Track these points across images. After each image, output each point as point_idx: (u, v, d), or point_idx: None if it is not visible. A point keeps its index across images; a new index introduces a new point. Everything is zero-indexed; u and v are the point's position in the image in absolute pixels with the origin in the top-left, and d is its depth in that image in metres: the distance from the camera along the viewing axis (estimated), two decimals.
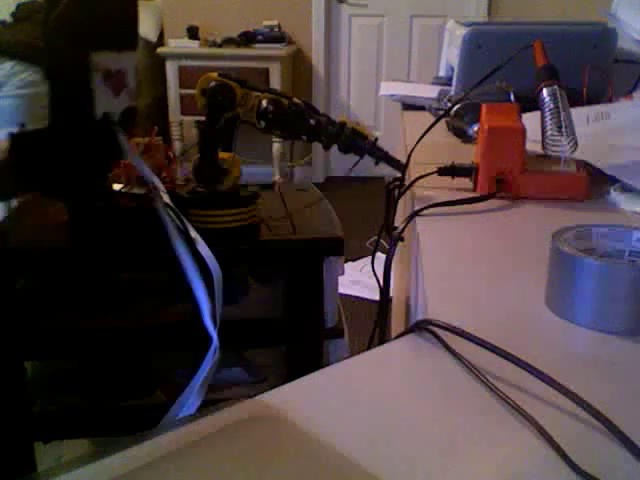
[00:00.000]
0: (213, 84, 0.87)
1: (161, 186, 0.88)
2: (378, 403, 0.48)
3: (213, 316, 0.82)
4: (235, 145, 0.97)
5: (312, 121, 0.90)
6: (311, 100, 4.44)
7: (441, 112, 1.21)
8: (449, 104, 1.33)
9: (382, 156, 0.96)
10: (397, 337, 0.57)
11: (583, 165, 0.93)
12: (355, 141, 0.95)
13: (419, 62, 4.43)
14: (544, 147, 0.92)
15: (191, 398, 0.75)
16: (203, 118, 0.90)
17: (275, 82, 3.97)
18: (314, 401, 0.48)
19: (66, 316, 1.00)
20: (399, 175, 1.02)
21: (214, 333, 0.80)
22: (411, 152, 1.02)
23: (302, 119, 0.90)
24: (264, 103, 0.89)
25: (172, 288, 1.05)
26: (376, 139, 0.97)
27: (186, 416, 0.46)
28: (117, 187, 0.98)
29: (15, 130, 0.87)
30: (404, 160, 1.03)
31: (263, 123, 0.89)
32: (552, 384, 0.47)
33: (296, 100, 0.93)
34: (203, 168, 0.92)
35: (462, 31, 1.37)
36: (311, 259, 0.94)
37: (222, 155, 0.94)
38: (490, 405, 0.47)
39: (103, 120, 0.88)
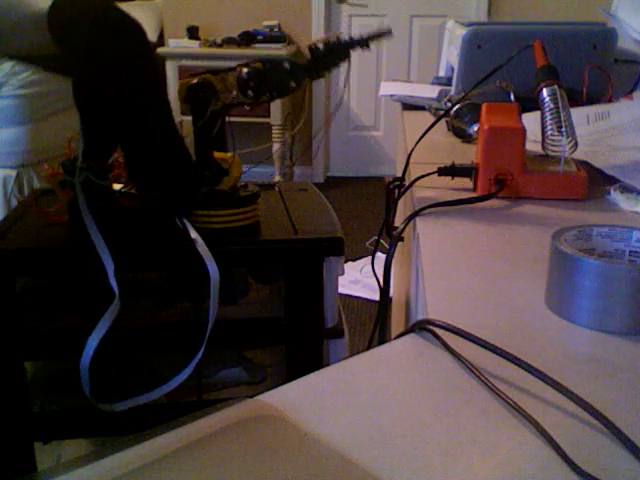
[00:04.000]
0: (190, 85, 0.88)
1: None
2: (378, 403, 0.48)
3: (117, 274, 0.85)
4: (233, 143, 0.97)
5: (286, 65, 0.88)
6: (311, 100, 4.44)
7: (441, 112, 1.21)
8: (449, 104, 1.33)
9: (364, 40, 0.90)
10: (397, 337, 0.57)
11: (583, 165, 0.93)
12: (334, 49, 0.88)
13: (419, 62, 4.43)
14: (544, 147, 0.92)
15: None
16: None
17: None
18: (314, 401, 0.48)
19: (66, 316, 1.00)
20: (399, 175, 1.02)
21: (116, 288, 0.84)
22: (411, 152, 1.02)
23: (279, 69, 0.89)
24: (242, 73, 0.88)
25: (172, 288, 1.05)
26: (351, 37, 0.90)
27: (186, 416, 0.46)
28: (117, 187, 0.99)
29: None
30: (404, 160, 1.03)
31: (250, 93, 0.88)
32: (552, 384, 0.47)
33: (268, 57, 0.92)
34: (202, 168, 0.92)
35: (462, 31, 1.37)
36: (311, 259, 0.94)
37: (222, 155, 0.94)
38: (490, 405, 0.47)
39: None
